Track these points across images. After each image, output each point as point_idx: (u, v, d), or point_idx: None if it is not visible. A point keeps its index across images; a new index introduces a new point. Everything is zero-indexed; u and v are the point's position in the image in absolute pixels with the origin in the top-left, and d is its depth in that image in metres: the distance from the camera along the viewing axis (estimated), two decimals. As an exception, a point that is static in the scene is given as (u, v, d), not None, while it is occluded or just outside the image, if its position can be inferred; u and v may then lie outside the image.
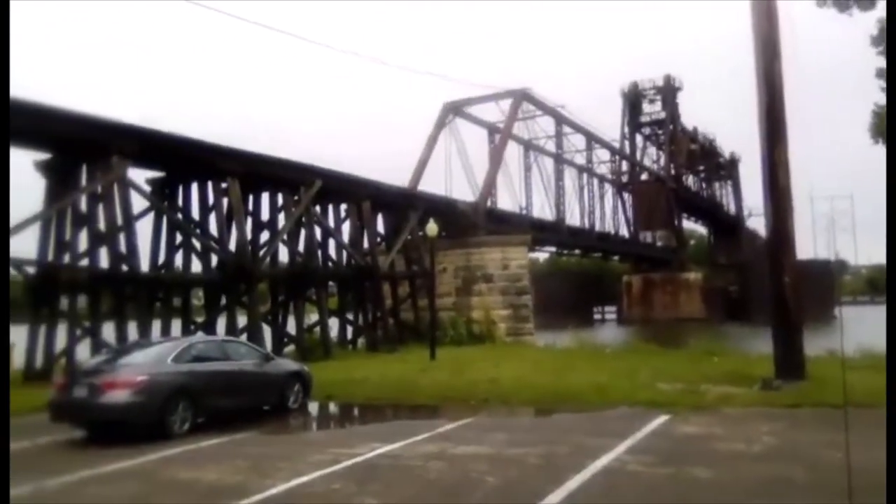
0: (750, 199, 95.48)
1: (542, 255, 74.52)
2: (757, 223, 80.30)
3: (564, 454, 8.14)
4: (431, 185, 38.36)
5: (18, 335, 20.69)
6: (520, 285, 32.78)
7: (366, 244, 28.56)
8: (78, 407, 9.84)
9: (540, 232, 44.64)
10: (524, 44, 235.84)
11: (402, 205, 30.99)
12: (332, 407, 13.85)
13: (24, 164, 19.35)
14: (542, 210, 49.45)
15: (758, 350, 17.92)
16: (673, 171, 76.70)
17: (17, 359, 20.70)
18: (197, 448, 9.28)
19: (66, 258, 19.72)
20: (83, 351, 19.09)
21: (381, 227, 30.90)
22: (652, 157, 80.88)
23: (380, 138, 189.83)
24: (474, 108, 43.84)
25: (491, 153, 44.66)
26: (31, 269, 19.02)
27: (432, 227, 21.66)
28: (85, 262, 19.67)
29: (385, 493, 6.77)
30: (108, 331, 19.08)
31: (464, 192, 40.21)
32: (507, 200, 45.27)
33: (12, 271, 19.65)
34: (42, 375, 18.19)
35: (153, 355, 10.83)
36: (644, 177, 74.93)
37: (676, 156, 78.07)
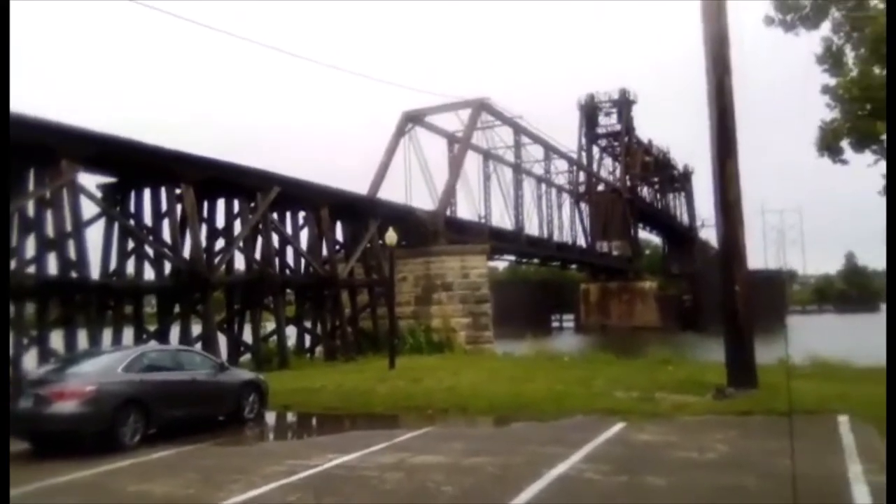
0: (703, 209, 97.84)
1: (501, 264, 75.06)
2: (709, 234, 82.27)
3: (521, 463, 8.18)
4: (391, 193, 38.36)
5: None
6: (479, 294, 32.93)
7: (324, 252, 28.33)
8: (24, 418, 9.49)
9: (499, 241, 44.92)
10: (483, 54, 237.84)
11: (362, 212, 30.86)
12: (289, 417, 13.67)
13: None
14: (502, 219, 49.76)
15: (711, 358, 18.31)
16: (628, 182, 78.09)
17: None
18: (148, 460, 9.06)
19: (13, 264, 19.04)
20: (30, 360, 18.45)
21: (339, 235, 30.72)
22: (608, 168, 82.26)
23: (339, 146, 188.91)
24: (434, 118, 43.93)
25: (450, 162, 44.78)
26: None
27: (392, 235, 21.58)
28: (32, 268, 19.04)
29: (341, 505, 6.70)
30: (57, 340, 18.51)
31: (423, 200, 40.27)
32: (466, 209, 45.46)
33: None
34: (-16, 386, 17.52)
35: (103, 364, 10.55)
36: (601, 188, 76.08)
37: (631, 167, 79.55)
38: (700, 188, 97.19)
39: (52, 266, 18.78)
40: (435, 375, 16.78)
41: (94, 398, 9.48)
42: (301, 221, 28.41)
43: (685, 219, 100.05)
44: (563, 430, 10.49)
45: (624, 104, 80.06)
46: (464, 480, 7.48)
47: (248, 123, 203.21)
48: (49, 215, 18.71)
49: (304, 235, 28.51)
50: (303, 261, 27.94)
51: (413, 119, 42.31)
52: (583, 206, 69.89)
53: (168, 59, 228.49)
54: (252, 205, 24.65)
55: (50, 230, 18.73)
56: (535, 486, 6.99)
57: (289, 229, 27.67)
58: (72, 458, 8.95)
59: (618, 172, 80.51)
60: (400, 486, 7.32)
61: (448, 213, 39.74)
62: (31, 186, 18.87)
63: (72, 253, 18.39)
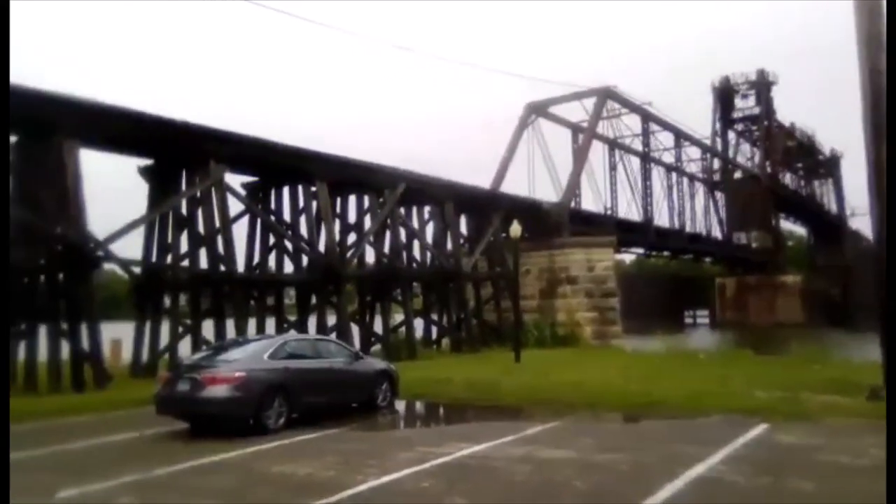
0: (853, 197, 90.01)
1: (628, 257, 72.62)
2: (861, 223, 75.63)
3: (655, 462, 7.93)
4: (514, 186, 38.30)
5: (125, 332, 22.14)
6: (606, 287, 32.18)
7: (449, 245, 28.79)
8: (181, 401, 10.36)
9: (626, 233, 43.66)
10: (607, 41, 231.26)
11: (485, 206, 31.04)
12: (419, 406, 14.04)
13: (129, 169, 20.70)
14: (629, 210, 48.33)
15: (862, 357, 16.88)
16: (769, 169, 73.17)
17: (125, 355, 22.19)
18: (290, 443, 9.61)
19: (169, 259, 20.89)
20: (184, 347, 20.16)
21: (464, 229, 31.08)
22: (746, 155, 77.38)
23: (462, 140, 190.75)
24: (557, 108, 43.42)
25: (575, 153, 44.06)
26: (136, 270, 20.27)
27: (516, 228, 21.55)
28: (185, 263, 20.76)
29: (474, 494, 6.80)
30: (208, 328, 20.02)
31: (547, 192, 39.91)
32: (591, 201, 44.57)
33: (120, 271, 21.03)
34: (147, 370, 19.36)
35: (250, 352, 11.26)
36: (738, 175, 71.83)
37: (772, 152, 74.37)
38: (850, 173, 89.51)
39: (203, 260, 20.32)
40: (562, 370, 16.62)
41: (243, 384, 10.17)
42: (427, 216, 29.04)
43: (833, 207, 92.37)
44: (699, 430, 10.06)
45: (762, 86, 74.94)
46: (595, 476, 7.36)
47: (373, 121, 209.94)
48: (200, 213, 20.27)
49: (429, 229, 29.13)
50: (429, 254, 28.55)
51: (536, 110, 41.99)
52: (718, 195, 66.30)
53: (289, 60, 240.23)
54: (381, 200, 25.50)
55: (201, 227, 20.29)
56: (672, 486, 6.75)
57: (415, 224, 28.36)
58: (222, 439, 9.64)
59: (757, 158, 75.65)
60: (530, 479, 7.32)
61: (573, 205, 39.14)
62: (183, 186, 20.58)
63: (220, 248, 19.84)
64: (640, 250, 55.69)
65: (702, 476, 7.20)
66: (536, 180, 41.04)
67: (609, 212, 46.33)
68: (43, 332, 16.89)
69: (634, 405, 12.24)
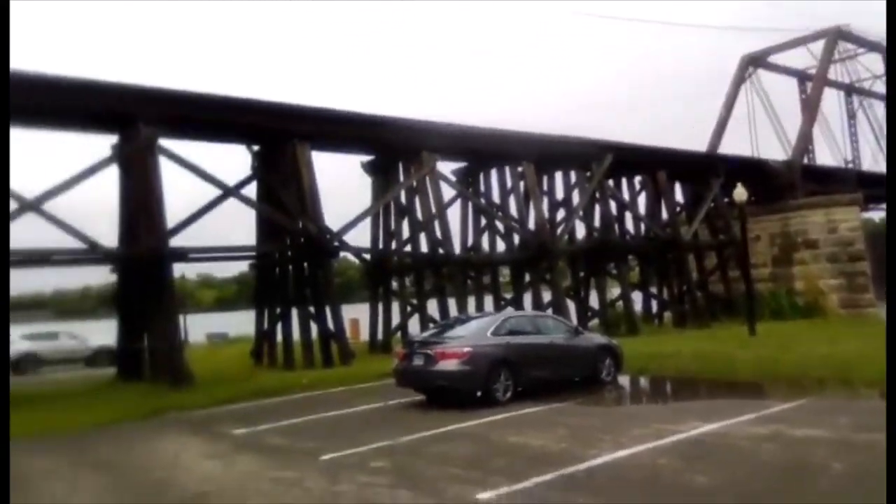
0: None
1: (878, 215, 63.77)
2: None
3: (934, 443, 6.91)
4: (733, 146, 35.39)
5: (361, 313, 24.29)
6: (852, 250, 28.63)
7: (664, 215, 27.46)
8: (417, 374, 11.15)
9: (873, 188, 38.32)
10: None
11: (702, 171, 29.08)
12: (644, 382, 13.65)
13: (353, 166, 22.53)
14: (875, 162, 42.29)
15: None
16: None
17: (362, 333, 24.41)
18: (520, 415, 9.87)
19: (393, 245, 22.47)
20: (413, 325, 21.61)
21: (679, 197, 29.44)
22: None
23: (670, 104, 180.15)
24: (778, 57, 39.19)
25: (803, 104, 39.53)
26: (367, 257, 22.10)
27: (740, 192, 19.93)
28: (408, 247, 22.19)
29: (715, 473, 6.46)
30: (432, 307, 21.23)
31: (773, 150, 36.30)
32: (826, 155, 39.70)
33: (352, 258, 23.06)
34: (383, 347, 21.12)
35: (474, 329, 11.78)
36: None
37: None
38: None
39: (423, 244, 21.54)
40: (805, 342, 15.17)
41: (471, 358, 10.67)
42: (637, 186, 27.95)
43: None
44: None
45: None
46: (855, 458, 6.64)
47: (563, 93, 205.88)
48: (417, 201, 21.48)
49: (641, 200, 28.02)
50: (643, 226, 27.50)
51: (754, 62, 38.32)
52: None
53: (466, 38, 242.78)
54: (588, 174, 25.03)
55: (419, 214, 21.49)
56: (960, 472, 5.84)
57: (625, 195, 27.44)
58: (456, 410, 10.20)
59: None
60: (777, 459, 6.78)
61: (805, 161, 35.24)
62: (401, 178, 21.93)
63: (437, 232, 20.87)
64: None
65: None
66: (759, 138, 37.53)
67: (849, 165, 41.01)
68: (294, 315, 19.05)
69: (898, 380, 10.78)
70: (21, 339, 22.12)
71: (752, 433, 7.94)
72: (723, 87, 38.16)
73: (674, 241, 26.79)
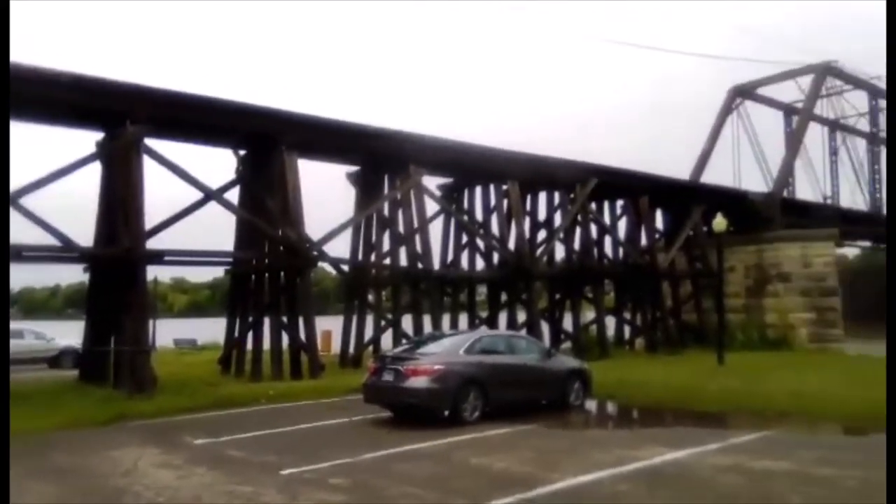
0: None
1: (852, 251, 64.70)
2: None
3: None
4: (716, 176, 35.80)
5: (334, 324, 24.12)
6: (825, 285, 29.00)
7: (643, 241, 27.69)
8: (385, 390, 11.06)
9: (850, 224, 38.91)
10: (826, 10, 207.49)
11: (683, 199, 29.38)
12: (612, 407, 13.66)
13: (338, 176, 22.47)
14: (853, 199, 43.00)
15: None
16: None
17: (334, 345, 24.21)
18: (484, 436, 9.82)
19: (373, 258, 22.35)
20: (386, 340, 21.47)
21: (660, 223, 29.69)
22: None
23: (655, 130, 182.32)
24: (767, 89, 39.86)
25: (787, 137, 40.19)
26: (345, 268, 21.95)
27: (720, 222, 20.14)
28: (387, 260, 22.09)
29: (675, 501, 6.48)
30: (407, 322, 21.11)
31: (755, 180, 36.80)
32: (807, 190, 40.27)
33: (328, 268, 22.91)
34: (354, 361, 20.91)
35: (447, 346, 11.73)
36: None
37: None
38: None
39: (403, 258, 21.45)
40: (772, 375, 15.31)
41: (442, 376, 10.61)
42: (619, 211, 28.16)
43: None
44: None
45: None
46: (816, 492, 6.68)
47: (555, 115, 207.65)
48: (400, 214, 21.42)
49: (622, 225, 28.22)
50: (621, 251, 27.68)
51: (742, 93, 38.93)
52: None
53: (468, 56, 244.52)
54: (571, 196, 25.17)
55: (401, 227, 21.44)
56: (912, 513, 5.89)
57: (607, 219, 27.63)
58: (421, 429, 10.12)
59: None
60: (739, 491, 6.81)
61: (785, 194, 35.74)
62: (385, 190, 21.88)
63: (418, 246, 20.82)
64: (867, 243, 49.42)
65: (952, 504, 6.20)
66: (742, 169, 38.04)
67: (828, 201, 41.63)
68: (266, 324, 18.84)
69: (859, 415, 10.92)
70: None
71: (714, 463, 7.97)
72: (711, 117, 38.72)
73: (650, 268, 26.97)
